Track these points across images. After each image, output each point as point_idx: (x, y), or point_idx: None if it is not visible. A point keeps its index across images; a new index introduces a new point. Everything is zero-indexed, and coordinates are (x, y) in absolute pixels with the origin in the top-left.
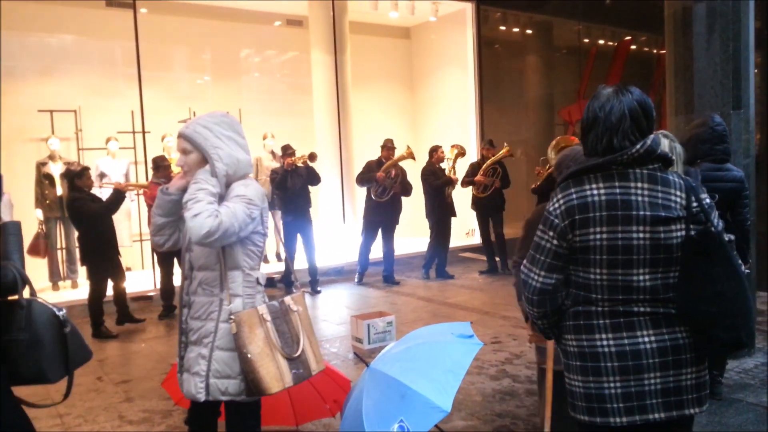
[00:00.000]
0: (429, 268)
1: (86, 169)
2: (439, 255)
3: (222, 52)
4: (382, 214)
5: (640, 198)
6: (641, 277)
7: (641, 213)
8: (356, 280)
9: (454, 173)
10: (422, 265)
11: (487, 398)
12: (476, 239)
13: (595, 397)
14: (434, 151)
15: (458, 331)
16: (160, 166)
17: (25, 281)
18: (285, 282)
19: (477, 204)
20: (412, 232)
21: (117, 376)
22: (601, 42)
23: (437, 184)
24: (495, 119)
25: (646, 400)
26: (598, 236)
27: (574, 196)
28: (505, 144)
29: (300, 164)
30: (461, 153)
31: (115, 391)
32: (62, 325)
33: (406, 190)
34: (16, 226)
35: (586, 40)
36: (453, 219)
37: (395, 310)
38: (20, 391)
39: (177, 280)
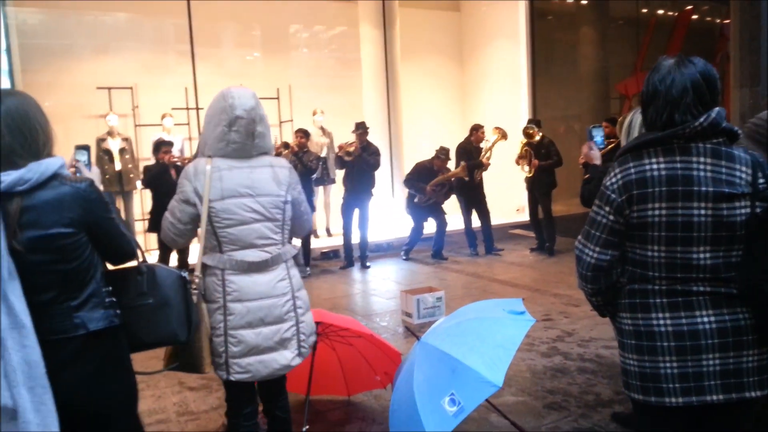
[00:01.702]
0: (474, 245)
1: (166, 143)
2: (485, 232)
3: (271, 28)
4: (426, 208)
5: (702, 173)
6: (701, 255)
7: (703, 189)
8: (403, 255)
9: (490, 156)
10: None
11: (538, 375)
12: (526, 216)
13: (650, 377)
14: (475, 129)
15: (510, 308)
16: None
17: (139, 248)
18: (346, 257)
19: (526, 181)
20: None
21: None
22: (661, 12)
23: (467, 164)
24: (547, 94)
25: (704, 382)
26: (656, 212)
27: (632, 170)
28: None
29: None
30: (503, 137)
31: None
32: (187, 286)
33: (447, 195)
34: (112, 196)
35: (645, 11)
36: (496, 196)
37: (444, 286)
38: None
39: None
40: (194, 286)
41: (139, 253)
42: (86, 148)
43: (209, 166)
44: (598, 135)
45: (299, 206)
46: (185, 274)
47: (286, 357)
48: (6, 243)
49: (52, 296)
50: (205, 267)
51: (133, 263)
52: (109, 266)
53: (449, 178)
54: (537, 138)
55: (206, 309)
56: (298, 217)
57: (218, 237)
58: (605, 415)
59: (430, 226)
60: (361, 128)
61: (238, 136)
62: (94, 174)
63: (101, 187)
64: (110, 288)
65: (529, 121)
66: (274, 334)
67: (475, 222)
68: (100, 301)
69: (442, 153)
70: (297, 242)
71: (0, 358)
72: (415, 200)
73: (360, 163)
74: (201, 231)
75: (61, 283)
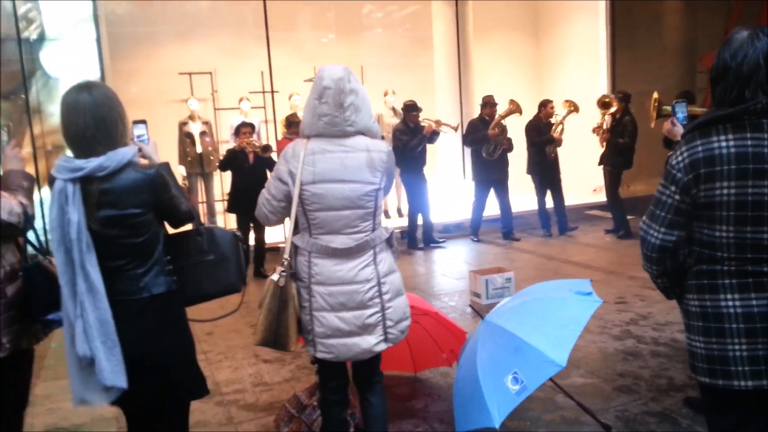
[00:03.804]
0: (547, 226)
1: (246, 124)
2: (558, 212)
3: (345, 10)
4: (493, 172)
5: None
6: None
7: None
8: (472, 236)
9: (562, 132)
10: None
11: (609, 357)
12: (603, 197)
13: (717, 359)
14: (543, 105)
15: (576, 288)
16: (293, 122)
17: (196, 213)
18: (409, 238)
19: (601, 157)
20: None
21: (252, 319)
22: None
23: (537, 141)
24: (628, 69)
25: None
26: (725, 191)
27: (699, 148)
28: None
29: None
30: (573, 110)
31: (251, 333)
32: (239, 244)
33: (510, 145)
34: (169, 167)
35: None
36: (572, 175)
37: (515, 267)
38: None
39: None
40: (282, 268)
41: (196, 218)
42: (143, 122)
43: (305, 148)
44: (681, 111)
45: (389, 181)
46: (238, 233)
47: (369, 342)
48: (85, 220)
49: (122, 264)
50: (295, 247)
51: (190, 227)
52: (172, 230)
53: (504, 117)
54: (613, 108)
55: (295, 288)
56: (385, 188)
57: (308, 219)
58: (677, 400)
59: (492, 208)
60: (414, 109)
61: (327, 107)
62: (151, 146)
63: (157, 159)
64: (170, 257)
65: (618, 92)
66: (357, 319)
67: (549, 203)
68: (162, 269)
69: (491, 99)
70: (389, 225)
71: (79, 317)
72: (485, 155)
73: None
74: (292, 212)
75: (131, 254)
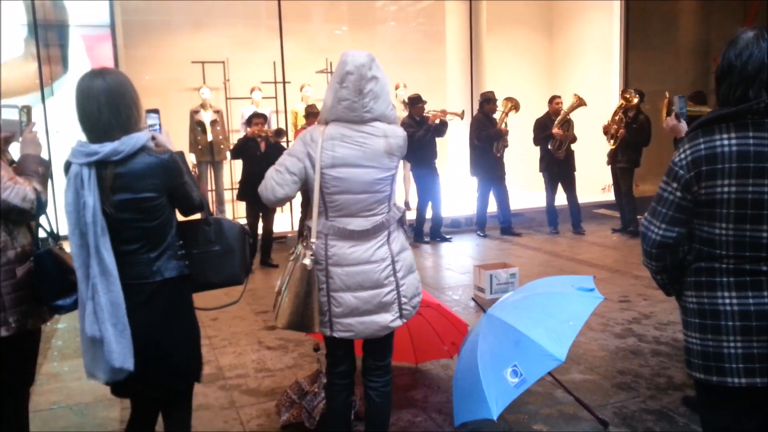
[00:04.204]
0: (554, 223)
1: (259, 115)
2: (572, 210)
3: (358, 2)
4: (492, 169)
5: None
6: None
7: None
8: (478, 232)
9: (565, 126)
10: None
11: (610, 355)
12: (612, 195)
13: (712, 356)
14: (550, 101)
15: (579, 284)
16: (311, 113)
17: (206, 203)
18: (415, 231)
19: (608, 156)
20: (537, 185)
21: (257, 307)
22: None
23: (542, 137)
24: (641, 68)
25: None
26: (725, 189)
27: (702, 146)
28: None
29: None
30: (579, 104)
31: (255, 320)
32: (246, 237)
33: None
34: (182, 155)
35: None
36: (580, 173)
37: (520, 263)
38: None
39: None
40: (311, 252)
41: (206, 207)
42: (156, 111)
43: (323, 134)
44: (681, 104)
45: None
46: (245, 226)
47: (386, 319)
48: (100, 204)
49: (136, 247)
50: (309, 230)
51: (199, 216)
52: (182, 218)
53: (507, 114)
54: (635, 102)
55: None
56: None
57: (326, 203)
58: (676, 399)
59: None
60: (420, 102)
61: (347, 92)
62: (163, 135)
63: (171, 147)
64: (182, 242)
65: (636, 90)
66: (374, 298)
67: (558, 201)
68: (174, 253)
69: (490, 95)
70: (402, 204)
71: (90, 299)
72: (494, 151)
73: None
74: (315, 197)
75: (144, 238)
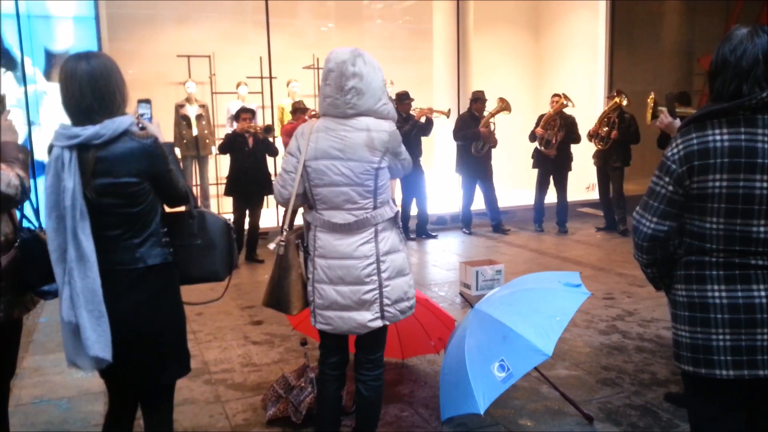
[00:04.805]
0: (540, 221)
1: (247, 110)
2: (560, 208)
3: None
4: (478, 168)
5: (767, 146)
6: (762, 229)
7: (767, 161)
8: (464, 229)
9: (551, 125)
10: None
11: (594, 351)
12: (596, 194)
13: (701, 348)
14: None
15: (565, 280)
16: (298, 109)
17: (192, 194)
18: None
19: (596, 157)
20: (526, 183)
21: (243, 302)
22: None
23: (531, 134)
24: (626, 68)
25: (757, 356)
26: (717, 183)
27: (694, 141)
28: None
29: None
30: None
31: (241, 315)
32: (230, 233)
33: (495, 142)
34: (171, 146)
35: None
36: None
37: (505, 261)
38: None
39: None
40: (281, 238)
41: (191, 199)
42: (148, 101)
43: (311, 127)
44: (671, 106)
45: (397, 161)
46: (229, 220)
47: (365, 317)
48: (81, 188)
49: (118, 233)
50: (306, 222)
51: (184, 208)
52: (166, 209)
53: (494, 115)
54: (624, 103)
55: (302, 258)
56: (393, 169)
57: (313, 195)
58: (659, 395)
59: (482, 201)
60: (407, 98)
61: (330, 89)
62: (153, 125)
63: (161, 137)
64: (167, 229)
65: (617, 90)
66: (354, 294)
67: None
68: (158, 240)
69: (482, 95)
70: (397, 204)
71: (66, 284)
72: (474, 152)
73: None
74: (295, 186)
75: (127, 223)
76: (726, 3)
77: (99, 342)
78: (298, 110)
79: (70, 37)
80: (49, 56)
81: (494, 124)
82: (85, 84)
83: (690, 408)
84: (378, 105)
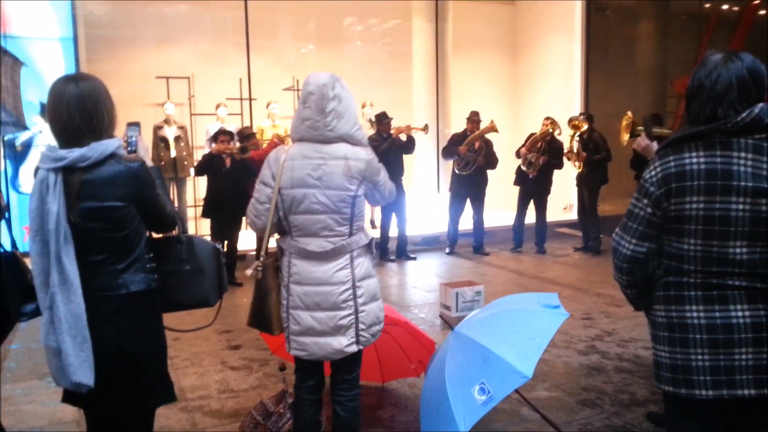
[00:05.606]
0: (519, 242)
1: (225, 132)
2: (539, 229)
3: (326, 21)
4: (467, 187)
5: (742, 168)
6: (738, 250)
7: (743, 184)
8: (447, 250)
9: (535, 147)
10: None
11: (574, 372)
12: (574, 214)
13: (681, 369)
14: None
15: (545, 301)
16: (245, 136)
17: (180, 219)
18: (380, 249)
19: (577, 178)
20: (507, 204)
21: (220, 326)
22: (725, 7)
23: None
24: (601, 90)
25: (736, 376)
26: (694, 206)
27: (672, 163)
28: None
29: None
30: (553, 129)
31: (219, 340)
32: (220, 257)
33: (491, 163)
34: (159, 170)
35: (708, 5)
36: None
37: (485, 281)
38: None
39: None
40: (257, 263)
41: (179, 224)
42: (136, 124)
43: (285, 154)
44: (648, 127)
45: (375, 190)
46: (218, 246)
47: (341, 342)
48: (65, 211)
49: (102, 258)
50: (281, 249)
51: (174, 233)
52: (154, 234)
53: (480, 135)
54: (584, 128)
55: (279, 284)
56: (370, 196)
57: (289, 222)
58: (639, 415)
59: (466, 222)
60: (386, 118)
61: (310, 111)
62: (141, 149)
63: (148, 161)
64: (152, 255)
65: (580, 114)
66: (330, 320)
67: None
68: (142, 266)
69: (474, 116)
70: (371, 232)
71: (47, 308)
72: (456, 170)
73: (395, 151)
74: (270, 214)
75: (111, 248)
76: (697, 27)
77: (81, 367)
78: (245, 137)
79: (48, 58)
80: (28, 78)
81: (481, 144)
82: (73, 106)
83: (670, 428)
84: (354, 129)
